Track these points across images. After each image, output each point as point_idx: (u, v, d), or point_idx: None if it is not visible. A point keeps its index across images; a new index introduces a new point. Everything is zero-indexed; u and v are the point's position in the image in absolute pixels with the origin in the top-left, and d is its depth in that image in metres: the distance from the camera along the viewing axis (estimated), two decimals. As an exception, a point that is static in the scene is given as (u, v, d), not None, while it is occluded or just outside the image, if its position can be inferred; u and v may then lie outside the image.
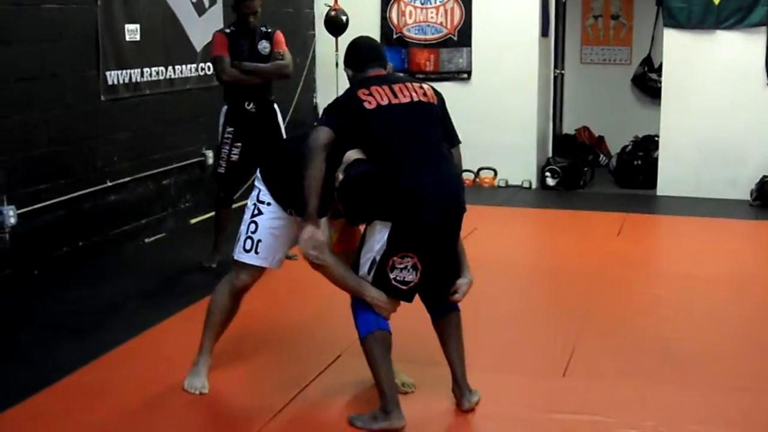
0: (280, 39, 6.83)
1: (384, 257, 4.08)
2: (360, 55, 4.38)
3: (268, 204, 4.44)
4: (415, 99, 4.19)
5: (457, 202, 4.19)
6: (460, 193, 4.22)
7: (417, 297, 4.31)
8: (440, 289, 4.34)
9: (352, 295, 4.20)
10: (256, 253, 4.48)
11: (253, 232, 4.47)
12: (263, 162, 4.62)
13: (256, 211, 4.47)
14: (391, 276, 4.08)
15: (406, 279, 4.09)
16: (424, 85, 4.32)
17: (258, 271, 4.57)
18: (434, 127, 4.22)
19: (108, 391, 4.64)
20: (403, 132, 4.10)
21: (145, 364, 4.98)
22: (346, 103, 4.18)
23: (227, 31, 6.77)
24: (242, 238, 4.51)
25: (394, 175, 4.04)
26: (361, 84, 4.22)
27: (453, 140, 4.36)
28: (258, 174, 4.52)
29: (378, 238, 4.09)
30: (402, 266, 4.07)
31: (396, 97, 4.15)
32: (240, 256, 4.52)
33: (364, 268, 4.15)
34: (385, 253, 4.07)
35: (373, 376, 4.17)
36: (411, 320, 4.49)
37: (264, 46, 6.74)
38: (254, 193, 4.51)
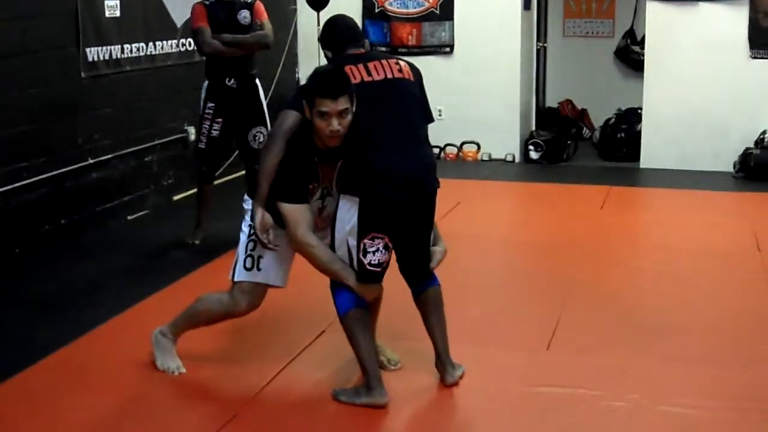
0: (260, 9, 6.74)
1: (357, 241, 4.07)
2: (339, 37, 4.31)
3: None
4: (389, 76, 4.15)
5: (425, 180, 4.18)
6: (429, 171, 4.21)
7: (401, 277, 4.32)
8: (417, 265, 4.34)
9: (335, 279, 4.18)
10: (258, 269, 4.23)
11: (253, 250, 4.23)
12: (249, 182, 4.47)
13: (252, 231, 4.20)
14: (366, 261, 4.08)
15: (380, 261, 4.11)
16: (401, 62, 4.26)
17: (261, 292, 4.31)
18: (408, 104, 4.19)
19: (92, 369, 4.63)
20: (374, 109, 4.06)
21: (130, 342, 4.95)
22: None
23: (206, 2, 6.69)
24: (240, 258, 4.26)
25: (365, 151, 4.03)
26: (336, 63, 4.18)
27: (427, 118, 4.33)
28: (246, 196, 4.31)
29: (348, 217, 4.08)
30: (374, 249, 4.07)
31: (369, 75, 4.12)
32: (240, 275, 4.27)
33: (340, 250, 4.14)
34: (357, 236, 4.07)
35: (355, 354, 4.18)
36: (393, 295, 4.49)
37: (244, 15, 6.63)
38: (246, 217, 4.28)
